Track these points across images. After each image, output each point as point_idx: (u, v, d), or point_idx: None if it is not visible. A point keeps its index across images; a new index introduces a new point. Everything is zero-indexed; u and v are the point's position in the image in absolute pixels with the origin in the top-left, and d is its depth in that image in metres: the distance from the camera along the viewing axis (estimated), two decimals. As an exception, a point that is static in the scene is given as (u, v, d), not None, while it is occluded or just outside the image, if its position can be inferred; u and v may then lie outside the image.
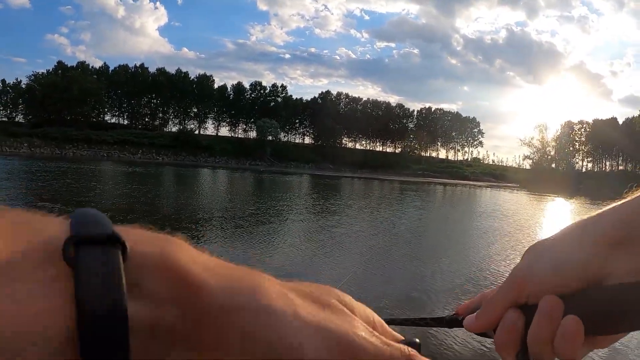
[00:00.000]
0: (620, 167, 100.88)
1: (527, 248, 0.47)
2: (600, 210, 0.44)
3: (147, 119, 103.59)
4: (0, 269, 0.22)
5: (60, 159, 52.47)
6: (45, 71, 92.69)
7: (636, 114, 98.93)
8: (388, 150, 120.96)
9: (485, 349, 5.00)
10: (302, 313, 0.29)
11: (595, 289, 0.42)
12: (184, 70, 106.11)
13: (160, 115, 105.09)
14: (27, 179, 23.04)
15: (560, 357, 0.43)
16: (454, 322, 0.53)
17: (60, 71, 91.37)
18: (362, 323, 0.33)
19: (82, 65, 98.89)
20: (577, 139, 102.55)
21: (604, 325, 0.41)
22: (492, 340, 0.48)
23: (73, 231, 0.25)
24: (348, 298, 0.35)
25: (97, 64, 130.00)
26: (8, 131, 70.35)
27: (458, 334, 5.12)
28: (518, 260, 0.46)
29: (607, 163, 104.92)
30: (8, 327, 0.21)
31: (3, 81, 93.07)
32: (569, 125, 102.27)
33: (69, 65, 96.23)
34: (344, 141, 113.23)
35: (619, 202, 0.44)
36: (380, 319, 0.37)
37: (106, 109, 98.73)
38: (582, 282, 0.43)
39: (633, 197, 0.43)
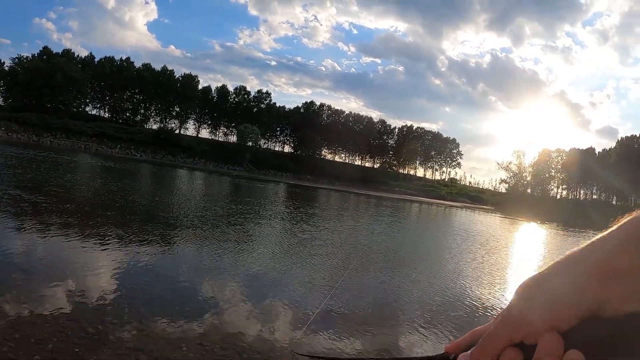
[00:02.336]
0: (594, 197, 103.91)
1: (519, 285, 0.47)
2: (588, 242, 0.45)
3: (128, 114, 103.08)
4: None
5: (37, 147, 51.99)
6: (30, 55, 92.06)
7: (612, 145, 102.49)
8: (367, 165, 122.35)
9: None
10: None
11: (593, 322, 0.42)
12: (169, 68, 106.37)
13: (142, 111, 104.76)
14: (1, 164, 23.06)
15: None
16: None
17: (45, 57, 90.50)
18: None
19: (67, 53, 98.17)
20: (553, 166, 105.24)
21: (605, 357, 0.41)
22: None
23: None
24: None
25: (83, 53, 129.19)
26: (-15, 113, 69.33)
27: None
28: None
29: (582, 191, 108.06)
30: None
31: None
32: (546, 153, 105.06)
33: (54, 52, 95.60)
34: (323, 153, 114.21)
35: (606, 232, 0.44)
36: None
37: (88, 100, 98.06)
38: (579, 315, 0.42)
39: (617, 226, 0.44)
